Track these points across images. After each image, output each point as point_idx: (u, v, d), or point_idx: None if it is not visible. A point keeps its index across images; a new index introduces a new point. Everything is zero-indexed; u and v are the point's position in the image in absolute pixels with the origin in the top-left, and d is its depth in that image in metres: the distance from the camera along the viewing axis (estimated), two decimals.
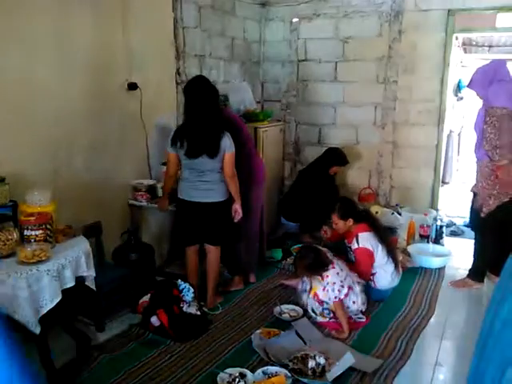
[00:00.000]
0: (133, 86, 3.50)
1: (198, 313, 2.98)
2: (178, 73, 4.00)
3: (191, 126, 3.00)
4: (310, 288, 3.08)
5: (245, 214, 3.25)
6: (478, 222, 3.51)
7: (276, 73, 5.39)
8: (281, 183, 5.17)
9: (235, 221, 3.20)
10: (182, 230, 3.26)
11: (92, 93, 3.21)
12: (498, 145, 3.16)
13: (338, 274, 3.02)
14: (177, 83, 3.99)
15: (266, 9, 5.29)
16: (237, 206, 3.17)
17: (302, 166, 5.21)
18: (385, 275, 3.34)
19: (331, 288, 2.96)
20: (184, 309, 2.95)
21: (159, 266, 3.73)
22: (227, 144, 3.01)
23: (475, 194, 3.50)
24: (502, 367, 1.09)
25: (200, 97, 2.97)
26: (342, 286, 2.99)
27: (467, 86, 3.44)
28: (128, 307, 3.15)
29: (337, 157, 4.67)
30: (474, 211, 3.55)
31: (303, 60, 5.23)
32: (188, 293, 3.02)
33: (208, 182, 3.04)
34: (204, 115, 2.96)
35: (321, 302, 3.01)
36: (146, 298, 3.04)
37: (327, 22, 5.02)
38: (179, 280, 3.13)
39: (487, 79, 3.24)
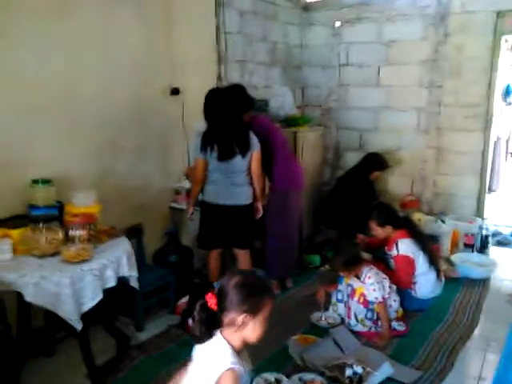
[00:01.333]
0: (175, 91, 3.58)
1: None
2: (219, 78, 4.05)
3: (218, 129, 3.00)
4: (353, 291, 3.02)
5: (283, 219, 3.24)
6: None
7: (317, 77, 5.37)
8: (320, 189, 5.13)
9: (256, 218, 3.24)
10: (207, 234, 3.23)
11: (136, 97, 3.31)
12: None
13: (377, 273, 3.00)
14: None
15: (307, 13, 5.28)
16: (259, 205, 3.23)
17: (341, 171, 5.15)
18: (426, 284, 3.25)
19: (377, 287, 2.91)
20: None
21: (197, 269, 3.78)
22: (254, 142, 3.07)
23: None
24: None
25: (219, 102, 3.00)
26: (384, 285, 2.97)
27: None
28: (167, 308, 3.20)
29: (377, 162, 4.59)
30: None
31: (345, 64, 5.18)
32: None
33: (237, 185, 3.07)
34: (225, 117, 2.98)
35: (366, 304, 2.95)
36: (185, 299, 3.08)
37: (370, 25, 4.96)
38: (216, 283, 3.14)
39: None
